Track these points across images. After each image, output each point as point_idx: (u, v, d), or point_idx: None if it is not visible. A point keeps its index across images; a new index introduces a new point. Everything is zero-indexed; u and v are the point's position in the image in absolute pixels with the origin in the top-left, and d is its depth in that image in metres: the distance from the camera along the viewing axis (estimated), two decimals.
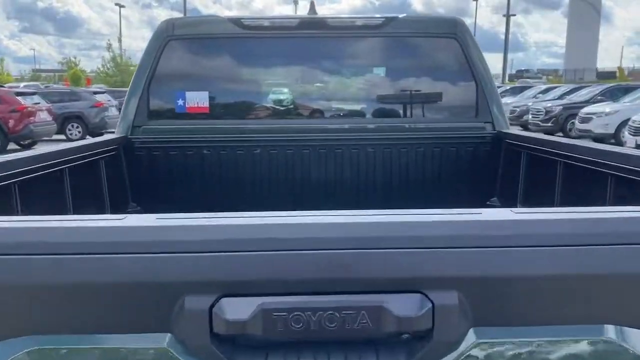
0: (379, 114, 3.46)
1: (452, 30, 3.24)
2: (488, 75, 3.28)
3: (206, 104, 3.24)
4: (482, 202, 3.21)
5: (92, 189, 2.73)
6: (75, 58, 67.06)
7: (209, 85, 3.27)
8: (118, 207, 2.96)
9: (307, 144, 3.26)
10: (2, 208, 1.94)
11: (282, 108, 3.52)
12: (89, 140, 3.02)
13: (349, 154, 3.28)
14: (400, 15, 3.31)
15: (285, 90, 3.63)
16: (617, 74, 52.81)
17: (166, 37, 3.16)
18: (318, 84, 3.57)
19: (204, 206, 3.24)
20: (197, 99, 3.21)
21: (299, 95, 3.60)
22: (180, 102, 3.22)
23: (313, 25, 3.31)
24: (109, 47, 46.86)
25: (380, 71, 3.48)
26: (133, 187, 3.17)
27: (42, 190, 2.23)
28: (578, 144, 2.64)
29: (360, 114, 3.54)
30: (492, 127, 3.29)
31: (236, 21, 3.21)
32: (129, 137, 3.18)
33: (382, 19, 3.26)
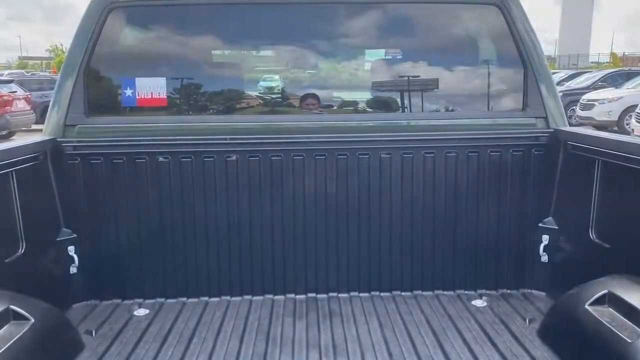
0: (391, 107, 2.75)
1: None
2: (540, 56, 2.56)
3: (163, 94, 2.51)
4: (531, 224, 2.52)
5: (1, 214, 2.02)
6: (62, 45, 65.90)
7: (166, 69, 2.54)
8: (42, 238, 2.24)
9: (297, 147, 2.54)
10: None
11: (265, 99, 2.81)
12: None
13: (356, 160, 2.57)
14: None
15: (270, 76, 2.91)
16: (610, 60, 52.43)
17: (109, 3, 2.41)
18: (311, 70, 2.86)
19: (158, 234, 2.54)
20: (151, 88, 2.48)
21: (288, 84, 2.88)
22: (128, 92, 2.49)
23: None
24: None
25: (395, 51, 2.76)
26: (65, 208, 2.44)
27: None
28: None
29: (367, 107, 2.83)
30: (546, 123, 2.60)
31: None
32: (59, 140, 2.45)
33: None
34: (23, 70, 40.60)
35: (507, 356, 2.14)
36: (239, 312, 2.51)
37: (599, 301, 1.98)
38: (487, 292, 2.70)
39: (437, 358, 2.14)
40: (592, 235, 2.31)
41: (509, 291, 2.72)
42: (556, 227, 2.61)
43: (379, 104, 2.86)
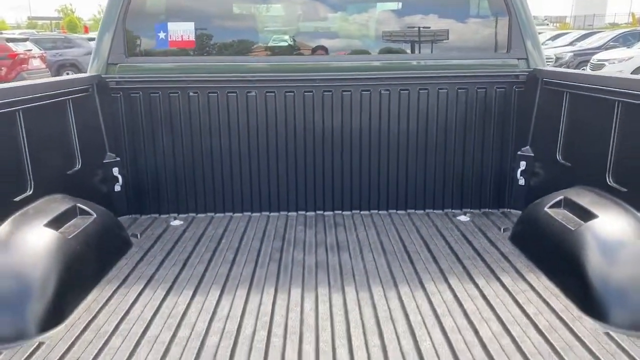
0: (391, 50, 3.08)
1: None
2: (524, 6, 2.87)
3: (192, 37, 2.85)
4: (513, 151, 2.87)
5: (58, 136, 2.40)
6: (71, 5, 65.59)
7: (195, 14, 2.87)
8: (92, 159, 2.64)
9: (305, 85, 2.89)
10: None
11: (281, 44, 3.14)
12: (52, 78, 2.65)
13: (358, 96, 2.93)
14: None
15: (285, 25, 3.23)
16: (630, 19, 51.23)
17: None
18: (321, 22, 3.18)
19: (189, 158, 2.94)
20: (182, 31, 2.83)
21: (300, 32, 3.20)
22: (161, 35, 2.83)
23: None
24: None
25: (395, 5, 3.07)
26: (110, 135, 2.83)
27: None
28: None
29: (368, 54, 3.16)
30: (527, 64, 2.93)
31: None
32: (103, 76, 2.81)
33: None
34: (34, 30, 40.72)
35: (480, 251, 2.55)
36: (258, 223, 2.92)
37: (556, 205, 2.38)
38: (471, 210, 3.08)
39: (422, 253, 2.56)
40: (559, 158, 2.67)
41: (490, 210, 3.10)
42: (532, 155, 2.96)
43: (381, 47, 3.17)
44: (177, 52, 2.90)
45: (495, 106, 2.98)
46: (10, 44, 16.27)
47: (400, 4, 3.08)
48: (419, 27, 3.01)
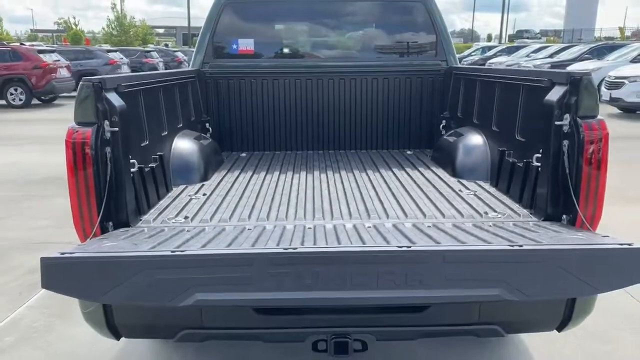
0: (370, 55, 4.70)
1: None
2: (445, 29, 4.56)
3: (251, 47, 4.51)
4: (438, 114, 4.52)
5: (182, 101, 4.01)
6: (75, 18, 66.96)
7: (253, 34, 4.53)
8: (198, 116, 4.28)
9: (319, 75, 4.53)
10: (133, 104, 2.97)
11: (301, 52, 4.81)
12: (177, 70, 4.33)
13: (347, 84, 4.56)
14: None
15: (305, 40, 4.89)
16: (619, 34, 53.16)
17: (224, 2, 4.43)
18: (326, 37, 4.83)
19: (249, 115, 4.56)
20: (245, 44, 4.48)
21: (313, 44, 4.86)
22: (234, 46, 4.49)
23: None
24: (113, 8, 47.50)
25: (371, 25, 4.75)
26: (204, 104, 4.47)
27: (153, 96, 3.36)
28: (492, 68, 3.92)
29: (355, 57, 4.76)
30: (446, 64, 4.57)
31: None
32: (201, 69, 4.47)
33: None
34: (37, 43, 42.46)
35: (416, 165, 4.00)
36: (296, 156, 4.40)
37: (449, 135, 4.00)
38: (414, 149, 4.62)
39: (382, 164, 4.03)
40: (459, 115, 4.21)
41: (426, 149, 4.63)
42: (448, 115, 4.47)
43: (360, 54, 4.72)
44: (243, 56, 4.54)
45: (429, 88, 4.60)
46: (41, 55, 17.76)
47: (373, 28, 4.76)
48: (386, 43, 4.67)
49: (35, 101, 17.84)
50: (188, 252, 1.92)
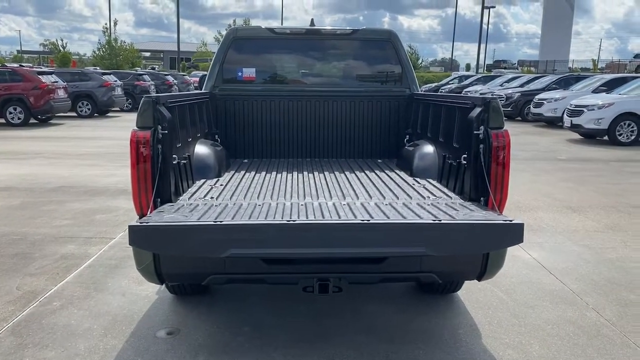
0: (348, 82, 5.68)
1: (388, 37, 5.52)
2: (409, 63, 5.61)
3: (254, 75, 5.53)
4: (403, 130, 5.53)
5: (200, 116, 4.91)
6: (62, 40, 67.70)
7: (255, 64, 5.56)
8: (210, 129, 5.25)
9: (307, 98, 5.50)
10: (173, 115, 3.74)
11: (293, 79, 5.85)
12: (196, 92, 5.32)
13: (330, 105, 5.52)
14: (361, 28, 5.59)
15: (296, 69, 5.94)
16: (592, 66, 55.51)
17: (232, 38, 5.45)
18: (313, 67, 5.88)
19: (251, 129, 5.53)
20: (249, 72, 5.49)
21: (302, 73, 5.90)
22: (240, 74, 5.51)
23: (312, 32, 5.58)
24: (105, 32, 48.59)
25: (349, 58, 5.79)
26: (214, 119, 5.44)
27: (184, 111, 4.22)
28: (439, 94, 4.94)
29: (336, 83, 5.73)
30: (409, 90, 5.56)
31: (271, 30, 5.50)
32: (213, 92, 5.46)
33: (351, 30, 5.52)
34: (27, 64, 43.15)
35: (384, 169, 4.88)
36: (288, 162, 5.19)
37: (410, 146, 4.97)
38: (383, 158, 5.47)
39: (357, 168, 4.88)
40: (419, 131, 5.12)
41: (393, 159, 5.43)
42: (411, 132, 5.36)
43: (338, 82, 5.65)
44: (246, 82, 5.50)
45: (395, 109, 5.51)
46: (40, 77, 18.60)
47: (351, 60, 5.80)
48: (361, 72, 5.64)
49: (32, 120, 18.59)
50: (225, 222, 2.80)
